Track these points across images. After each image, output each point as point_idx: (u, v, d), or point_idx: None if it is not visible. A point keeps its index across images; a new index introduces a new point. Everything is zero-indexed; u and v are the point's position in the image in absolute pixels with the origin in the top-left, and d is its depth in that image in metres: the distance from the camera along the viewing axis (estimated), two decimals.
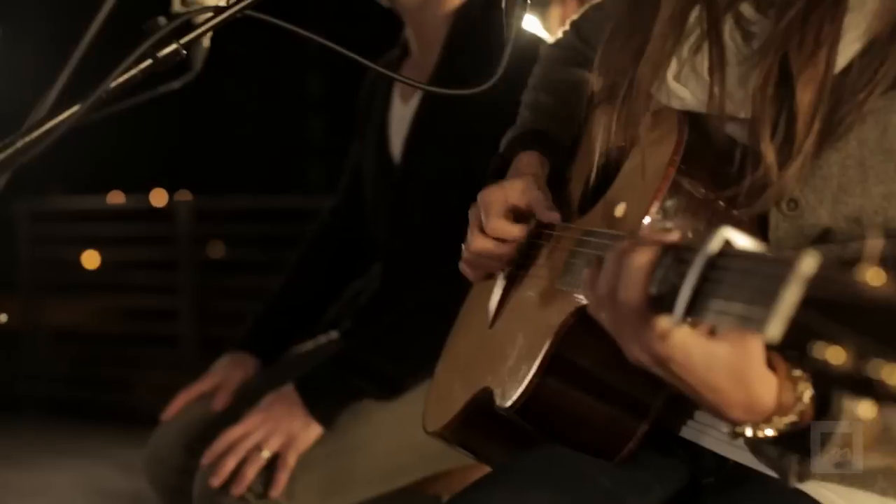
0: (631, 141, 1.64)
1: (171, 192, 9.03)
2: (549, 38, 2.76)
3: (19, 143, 1.42)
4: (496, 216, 1.74)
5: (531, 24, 2.78)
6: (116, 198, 8.80)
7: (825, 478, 1.44)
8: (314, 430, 2.47)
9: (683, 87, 1.57)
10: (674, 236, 1.21)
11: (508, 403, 1.57)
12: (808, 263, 0.96)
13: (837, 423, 1.26)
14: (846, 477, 1.44)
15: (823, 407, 1.27)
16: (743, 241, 1.12)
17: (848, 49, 1.44)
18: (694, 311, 1.11)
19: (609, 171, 1.70)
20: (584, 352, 1.53)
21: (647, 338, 1.20)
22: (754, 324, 1.00)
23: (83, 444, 6.67)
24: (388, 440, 2.53)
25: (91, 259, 8.49)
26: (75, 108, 1.42)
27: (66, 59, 1.58)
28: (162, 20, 1.45)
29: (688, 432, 1.60)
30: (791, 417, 1.26)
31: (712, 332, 1.16)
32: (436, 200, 2.68)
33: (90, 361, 8.14)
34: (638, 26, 1.62)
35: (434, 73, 2.71)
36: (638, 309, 1.20)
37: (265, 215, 8.27)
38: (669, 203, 1.47)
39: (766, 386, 1.24)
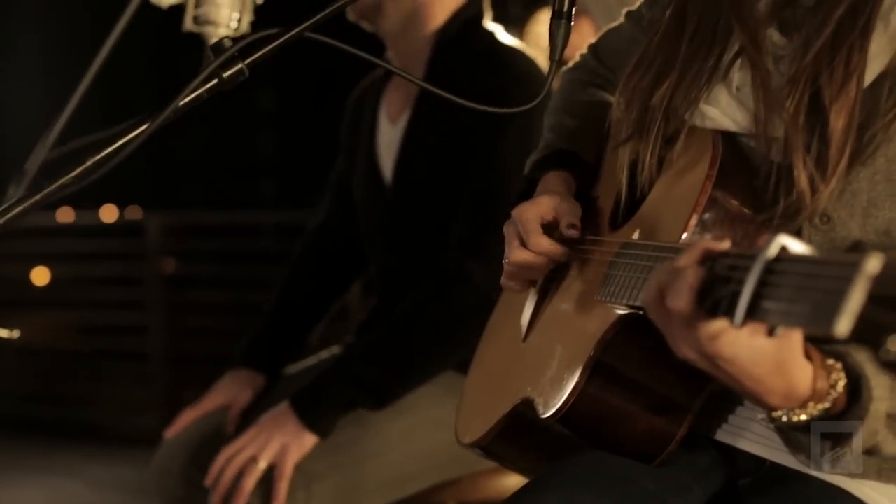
0: (661, 160, 1.71)
1: (121, 207, 9.03)
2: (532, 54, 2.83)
3: (89, 162, 1.47)
4: (536, 233, 1.79)
5: (506, 38, 2.84)
6: (69, 214, 8.78)
7: (864, 474, 1.52)
8: (308, 439, 2.53)
9: (713, 108, 1.64)
10: (724, 245, 1.29)
11: (551, 412, 1.63)
12: (874, 263, 1.05)
13: (868, 412, 1.36)
14: (884, 473, 1.53)
15: (855, 395, 1.37)
16: (798, 246, 1.20)
17: (872, 68, 1.53)
18: (754, 314, 1.19)
19: (638, 187, 1.78)
20: (625, 360, 1.60)
21: (697, 339, 1.28)
22: (822, 322, 1.07)
23: (53, 461, 6.67)
24: (398, 450, 2.60)
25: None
26: (145, 127, 1.48)
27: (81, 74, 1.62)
28: (227, 42, 1.50)
29: (723, 435, 1.67)
30: (825, 404, 1.36)
31: (771, 333, 1.24)
32: (428, 219, 2.75)
33: (57, 378, 8.12)
34: (664, 57, 1.70)
35: (421, 94, 2.77)
36: (686, 315, 1.28)
37: (233, 231, 8.31)
38: (707, 216, 1.54)
39: (803, 374, 1.34)
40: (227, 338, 6.28)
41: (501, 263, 2.52)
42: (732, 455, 1.67)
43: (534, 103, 1.69)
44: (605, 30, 2.06)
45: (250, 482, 2.49)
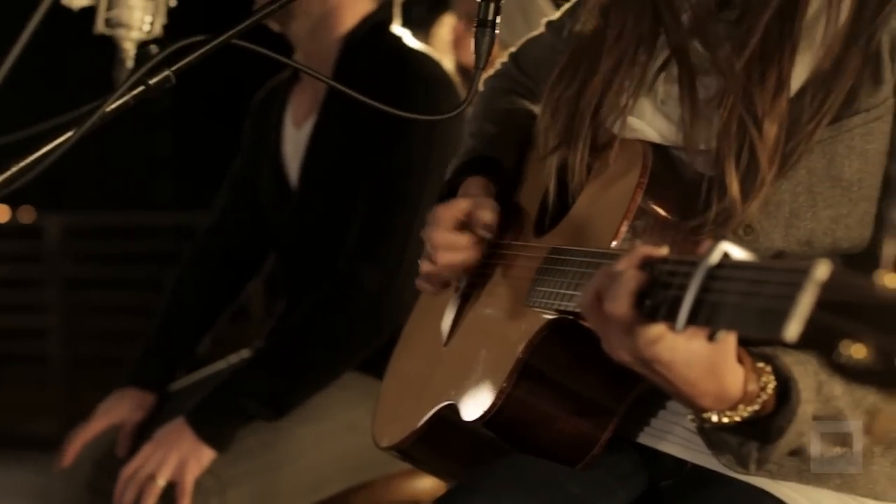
0: (588, 165, 1.72)
1: (13, 208, 8.87)
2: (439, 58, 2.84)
3: (14, 169, 1.44)
4: (443, 229, 1.80)
5: (413, 42, 2.85)
6: None
7: (785, 476, 1.55)
8: (206, 454, 2.50)
9: (638, 120, 1.65)
10: (663, 250, 1.31)
11: (477, 415, 1.62)
12: (822, 269, 1.06)
13: (797, 414, 1.37)
14: (804, 475, 1.55)
15: (784, 398, 1.39)
16: (739, 253, 1.21)
17: (796, 80, 1.55)
18: (696, 319, 1.20)
19: (565, 195, 1.79)
20: (552, 364, 1.60)
21: (634, 344, 1.29)
22: (772, 327, 1.08)
23: None
24: (313, 454, 2.58)
25: None
26: (69, 134, 1.45)
27: None
28: (154, 48, 1.48)
29: (645, 438, 1.68)
30: (755, 406, 1.38)
31: (711, 338, 1.25)
32: (333, 224, 2.73)
33: None
34: (589, 67, 1.70)
35: (327, 98, 2.76)
36: (625, 319, 1.29)
37: (130, 232, 8.21)
38: (638, 223, 1.56)
39: (734, 377, 1.35)
40: (126, 340, 6.20)
41: (397, 267, 2.53)
42: (654, 457, 1.68)
43: (458, 110, 1.68)
44: (525, 39, 2.06)
45: (150, 501, 2.47)
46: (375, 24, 2.77)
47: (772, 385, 1.38)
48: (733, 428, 1.40)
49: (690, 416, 1.42)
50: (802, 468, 1.55)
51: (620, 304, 1.28)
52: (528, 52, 2.04)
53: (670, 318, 1.23)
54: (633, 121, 1.65)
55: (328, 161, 2.75)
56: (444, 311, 1.92)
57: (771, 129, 1.51)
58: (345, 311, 2.59)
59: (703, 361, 1.30)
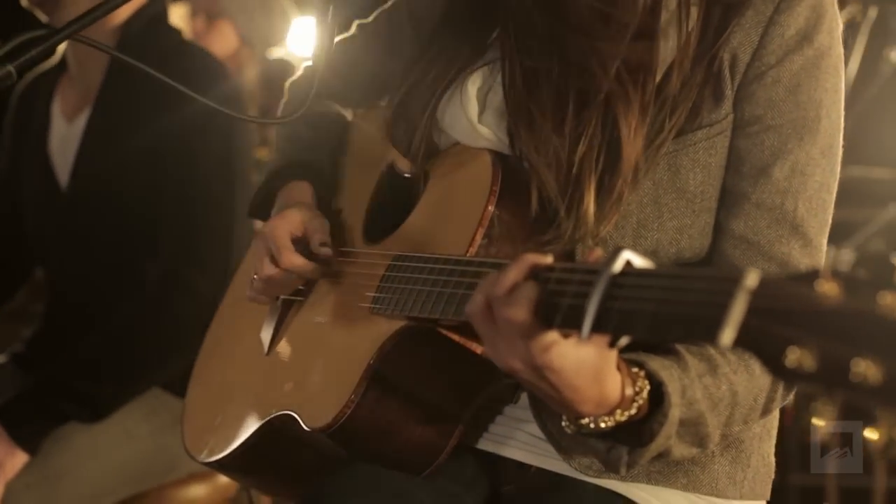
0: (424, 173, 1.66)
1: None
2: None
3: None
4: (288, 249, 1.69)
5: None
6: None
7: (635, 478, 1.54)
8: (19, 458, 2.35)
9: (487, 129, 1.60)
10: (548, 259, 1.26)
11: (322, 424, 1.53)
12: (752, 278, 1.04)
13: (668, 417, 1.36)
14: (652, 476, 1.54)
15: (656, 401, 1.36)
16: (640, 261, 1.18)
17: None
18: (604, 327, 1.16)
19: (389, 199, 1.72)
20: (401, 372, 1.53)
21: (528, 351, 1.24)
22: (704, 334, 1.05)
23: None
24: (92, 465, 2.45)
25: None
26: None
27: None
28: None
29: (485, 444, 1.63)
30: (631, 411, 1.34)
31: (612, 345, 1.22)
32: (116, 224, 2.57)
33: None
34: (430, 74, 1.66)
35: (101, 93, 2.60)
36: (523, 327, 1.23)
37: None
38: (492, 231, 1.50)
39: (614, 382, 1.32)
40: None
41: (224, 272, 2.40)
42: (494, 463, 1.63)
43: (296, 115, 1.60)
44: (336, 41, 1.97)
45: None
46: (152, 17, 2.62)
47: (647, 389, 1.35)
48: (605, 433, 1.36)
49: (565, 422, 1.37)
50: (651, 469, 1.54)
51: (518, 310, 1.22)
52: (340, 54, 1.95)
53: (568, 325, 1.20)
54: (482, 129, 1.61)
55: (108, 157, 2.58)
56: (258, 319, 1.81)
57: (633, 152, 1.49)
58: (175, 314, 2.47)
59: (591, 368, 1.26)
